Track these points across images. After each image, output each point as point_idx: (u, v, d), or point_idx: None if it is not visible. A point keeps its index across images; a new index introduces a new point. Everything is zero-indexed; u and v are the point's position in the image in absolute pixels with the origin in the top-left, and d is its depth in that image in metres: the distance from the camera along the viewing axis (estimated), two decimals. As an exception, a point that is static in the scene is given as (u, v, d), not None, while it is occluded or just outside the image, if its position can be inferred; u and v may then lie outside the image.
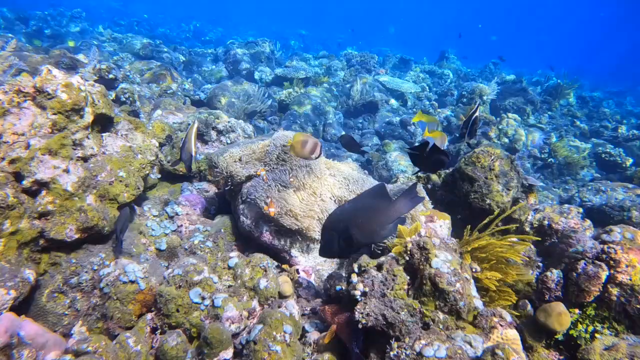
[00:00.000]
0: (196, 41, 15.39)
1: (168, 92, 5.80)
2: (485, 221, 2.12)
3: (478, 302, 1.67)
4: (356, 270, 1.84)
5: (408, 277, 1.71)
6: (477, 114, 2.74)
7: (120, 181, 2.52)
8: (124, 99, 4.60)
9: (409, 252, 1.71)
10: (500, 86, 10.33)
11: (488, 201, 2.86)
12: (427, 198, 2.83)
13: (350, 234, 1.65)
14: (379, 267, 1.78)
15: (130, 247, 2.57)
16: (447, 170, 3.29)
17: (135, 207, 3.00)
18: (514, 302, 2.20)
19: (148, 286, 1.99)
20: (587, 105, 11.31)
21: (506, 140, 7.64)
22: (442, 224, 2.64)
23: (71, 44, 8.77)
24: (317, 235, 2.54)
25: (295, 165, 2.63)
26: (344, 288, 2.17)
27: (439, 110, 8.53)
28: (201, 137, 4.25)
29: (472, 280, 1.71)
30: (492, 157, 3.02)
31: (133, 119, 2.93)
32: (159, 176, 3.53)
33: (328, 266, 2.63)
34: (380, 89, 8.93)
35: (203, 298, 1.89)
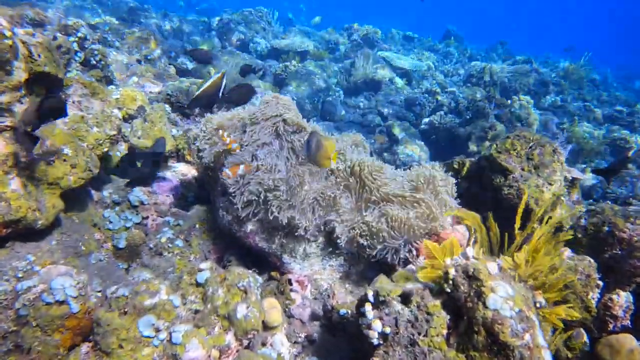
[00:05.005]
0: (189, 10, 14.47)
1: (149, 57, 5.14)
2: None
3: (547, 355, 1.16)
4: (371, 299, 1.31)
5: (448, 317, 1.19)
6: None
7: (65, 160, 1.95)
8: (94, 62, 3.96)
9: (451, 282, 1.18)
10: (510, 66, 9.72)
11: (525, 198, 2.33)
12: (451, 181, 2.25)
13: None
14: (406, 299, 1.25)
15: (77, 243, 2.03)
16: (473, 159, 2.75)
17: (92, 192, 2.44)
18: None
19: (84, 307, 1.45)
20: (597, 88, 10.79)
21: (518, 124, 7.10)
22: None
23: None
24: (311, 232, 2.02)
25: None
26: (349, 313, 1.66)
27: (447, 89, 7.92)
28: (181, 110, 3.65)
29: (537, 322, 1.19)
30: (531, 144, 2.48)
31: (89, 82, 2.34)
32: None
33: (328, 275, 2.11)
34: (383, 65, 8.28)
35: (157, 330, 1.36)
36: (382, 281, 1.44)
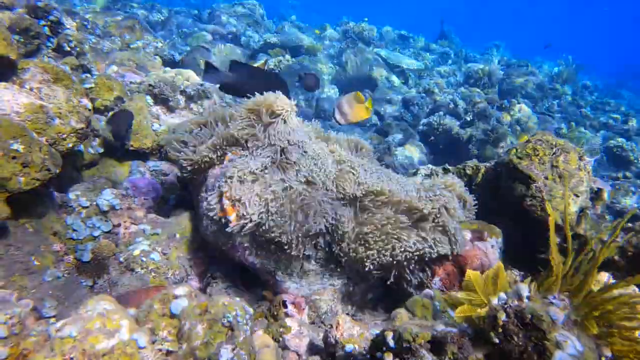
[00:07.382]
0: (179, 1, 14.02)
1: (131, 46, 4.79)
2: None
3: None
4: (391, 344, 1.03)
5: (496, 375, 0.91)
6: None
7: (14, 157, 1.63)
8: (69, 49, 3.60)
9: (500, 330, 0.90)
10: (506, 69, 9.55)
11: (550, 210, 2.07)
12: (470, 200, 2.00)
13: None
14: (437, 348, 0.97)
15: (28, 257, 1.70)
16: (488, 164, 2.49)
17: (55, 194, 2.11)
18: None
19: (16, 351, 1.13)
20: (591, 95, 10.72)
21: (518, 127, 6.90)
22: (494, 244, 1.85)
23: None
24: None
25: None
26: (357, 349, 1.37)
27: (445, 89, 7.69)
28: (165, 102, 3.33)
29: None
30: (555, 150, 2.22)
31: (51, 67, 2.01)
32: (101, 150, 2.63)
33: (329, 296, 1.82)
34: (379, 63, 8.02)
35: (114, 381, 1.06)
36: (402, 317, 1.16)
